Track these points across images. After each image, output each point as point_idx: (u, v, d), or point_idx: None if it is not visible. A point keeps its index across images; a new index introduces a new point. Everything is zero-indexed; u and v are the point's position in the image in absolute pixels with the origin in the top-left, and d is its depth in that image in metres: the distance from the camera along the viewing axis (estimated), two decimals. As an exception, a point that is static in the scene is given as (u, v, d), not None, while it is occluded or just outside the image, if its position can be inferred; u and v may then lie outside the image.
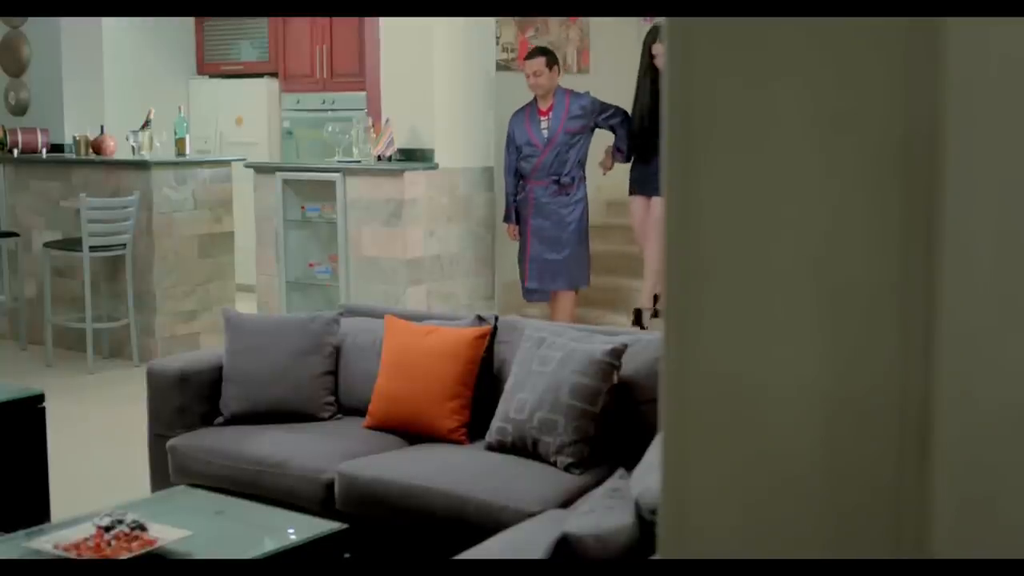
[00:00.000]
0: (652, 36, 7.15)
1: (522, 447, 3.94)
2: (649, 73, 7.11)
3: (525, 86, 8.66)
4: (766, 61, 0.98)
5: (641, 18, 9.25)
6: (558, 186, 7.05)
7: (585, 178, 7.18)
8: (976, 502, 0.96)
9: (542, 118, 7.08)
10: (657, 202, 6.97)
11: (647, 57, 7.15)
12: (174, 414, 4.49)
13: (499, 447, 4.01)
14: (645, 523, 2.69)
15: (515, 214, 7.13)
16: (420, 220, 6.95)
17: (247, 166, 7.86)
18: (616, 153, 7.29)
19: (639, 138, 7.11)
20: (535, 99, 7.08)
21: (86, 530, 3.26)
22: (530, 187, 7.05)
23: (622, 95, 9.30)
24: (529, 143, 7.04)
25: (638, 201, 7.27)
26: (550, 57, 7.05)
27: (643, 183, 7.22)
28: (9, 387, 4.58)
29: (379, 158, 6.99)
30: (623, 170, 9.40)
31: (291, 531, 3.57)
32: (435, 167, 7.01)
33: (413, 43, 7.01)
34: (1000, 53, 0.94)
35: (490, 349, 4.31)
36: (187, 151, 8.03)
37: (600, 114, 7.13)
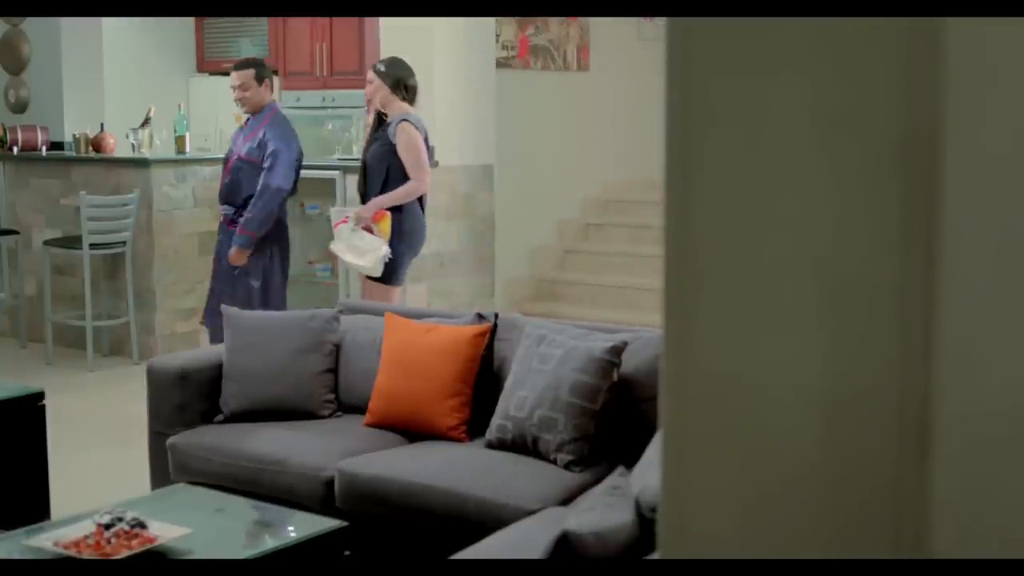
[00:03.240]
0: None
1: (522, 445, 3.94)
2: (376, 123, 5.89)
3: (526, 83, 8.68)
4: (766, 60, 0.98)
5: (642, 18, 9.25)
6: (227, 218, 6.14)
7: None
8: (976, 502, 0.96)
9: (242, 138, 6.20)
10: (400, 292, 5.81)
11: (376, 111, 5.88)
12: (174, 412, 4.48)
13: (499, 445, 4.01)
14: (645, 521, 2.69)
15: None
16: (420, 218, 6.95)
17: (247, 164, 7.85)
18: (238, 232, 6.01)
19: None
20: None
21: (86, 528, 3.26)
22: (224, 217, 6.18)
23: (622, 94, 9.32)
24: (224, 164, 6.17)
25: (396, 292, 5.88)
26: (260, 69, 6.15)
27: (398, 269, 5.86)
28: (9, 385, 4.58)
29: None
30: (627, 169, 9.42)
31: (291, 529, 3.57)
32: (435, 165, 7.01)
33: (413, 41, 7.01)
34: (1000, 53, 0.94)
35: (490, 347, 4.31)
36: (187, 149, 8.02)
37: (264, 159, 6.02)
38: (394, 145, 5.67)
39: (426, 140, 5.80)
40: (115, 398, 6.79)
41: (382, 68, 5.78)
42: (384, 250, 5.68)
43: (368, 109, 5.94)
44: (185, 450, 4.31)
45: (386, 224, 5.72)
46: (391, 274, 5.73)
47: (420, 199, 5.79)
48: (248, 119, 6.17)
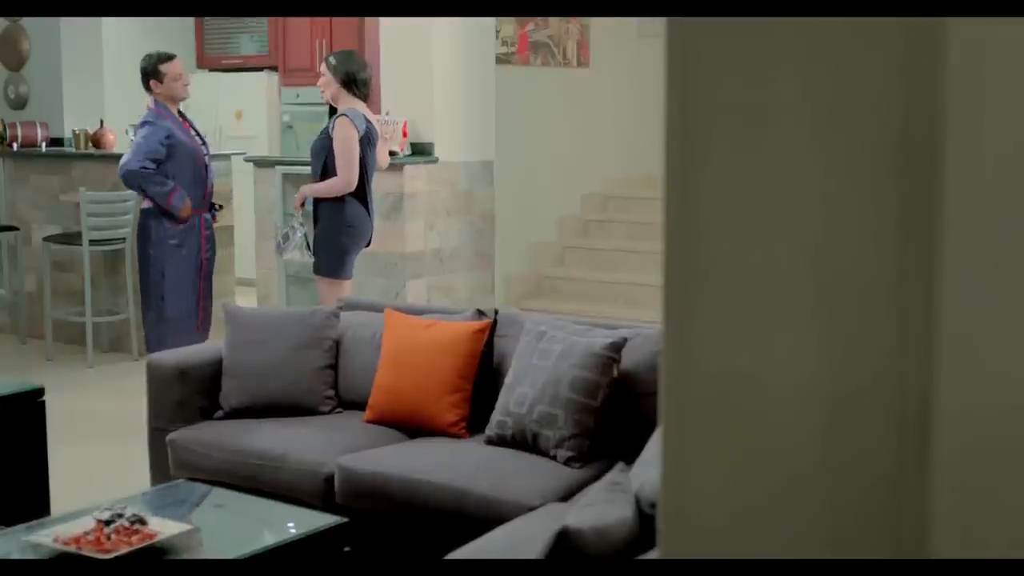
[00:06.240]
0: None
1: (522, 441, 3.94)
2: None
3: (526, 80, 8.68)
4: (766, 59, 0.98)
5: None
6: (213, 213, 6.29)
7: None
8: (976, 501, 0.96)
9: (192, 133, 6.20)
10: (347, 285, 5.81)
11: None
12: (174, 408, 4.49)
13: (499, 441, 4.01)
14: (645, 517, 2.70)
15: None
16: (420, 214, 6.96)
17: (247, 160, 7.86)
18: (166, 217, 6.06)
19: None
20: (167, 106, 6.12)
21: (86, 524, 3.26)
22: (200, 218, 6.15)
23: (622, 90, 9.31)
24: (195, 162, 6.10)
25: (346, 286, 5.84)
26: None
27: (344, 262, 5.82)
28: (9, 381, 4.57)
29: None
30: (627, 166, 9.42)
31: (291, 525, 3.57)
32: (435, 161, 7.01)
33: (413, 37, 7.01)
34: (1000, 53, 0.94)
35: (490, 343, 4.31)
36: (187, 145, 8.00)
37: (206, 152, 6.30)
38: (332, 139, 5.70)
39: (369, 137, 5.73)
40: (115, 394, 6.79)
41: (333, 62, 5.78)
42: (300, 232, 5.89)
43: (323, 99, 6.01)
44: (185, 446, 4.31)
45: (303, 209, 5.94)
46: (337, 267, 5.74)
47: (362, 195, 5.76)
48: (177, 111, 6.19)
